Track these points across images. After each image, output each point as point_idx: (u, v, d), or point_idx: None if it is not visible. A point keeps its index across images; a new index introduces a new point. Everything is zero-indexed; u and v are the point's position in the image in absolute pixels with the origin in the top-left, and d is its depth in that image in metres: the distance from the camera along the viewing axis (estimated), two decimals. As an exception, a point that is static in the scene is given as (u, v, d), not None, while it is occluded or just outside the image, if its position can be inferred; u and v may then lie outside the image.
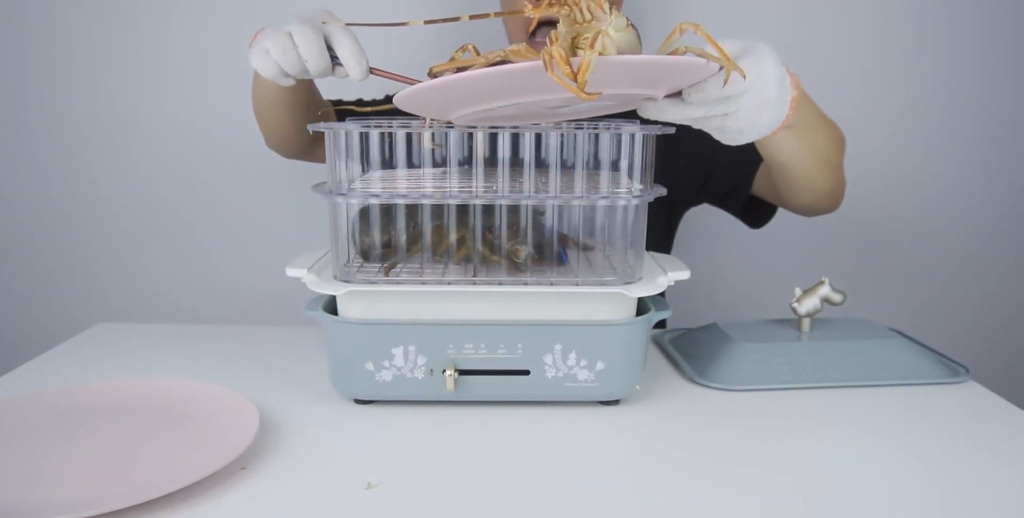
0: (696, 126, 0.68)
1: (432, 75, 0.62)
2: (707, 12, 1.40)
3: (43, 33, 1.41)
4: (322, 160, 1.11)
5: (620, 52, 0.57)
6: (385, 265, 0.76)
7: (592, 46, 0.52)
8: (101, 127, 1.45)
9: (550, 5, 0.57)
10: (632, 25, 0.59)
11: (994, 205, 1.51)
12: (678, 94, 0.65)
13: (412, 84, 0.60)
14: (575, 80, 0.52)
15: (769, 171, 0.97)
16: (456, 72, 0.56)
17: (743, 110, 0.64)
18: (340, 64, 0.71)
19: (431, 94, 0.58)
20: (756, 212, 1.14)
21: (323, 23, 0.71)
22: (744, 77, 0.61)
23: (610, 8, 0.57)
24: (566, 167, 0.75)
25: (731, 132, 0.68)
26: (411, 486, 0.61)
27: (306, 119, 0.99)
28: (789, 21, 1.41)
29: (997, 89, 1.45)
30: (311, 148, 1.09)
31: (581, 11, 0.56)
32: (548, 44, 0.53)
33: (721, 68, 0.60)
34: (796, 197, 0.96)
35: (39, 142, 1.46)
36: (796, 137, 0.77)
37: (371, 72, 0.72)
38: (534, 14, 0.57)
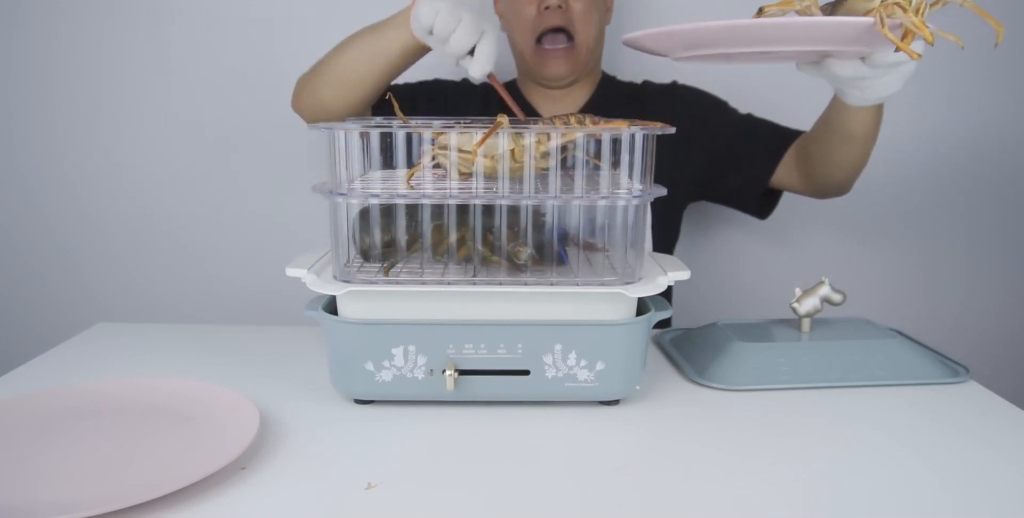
0: (847, 87, 0.80)
1: (761, 14, 0.70)
2: (709, 11, 1.40)
3: (42, 33, 1.41)
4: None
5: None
6: (384, 265, 0.76)
7: (920, 13, 0.62)
8: (102, 127, 1.45)
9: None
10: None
11: (994, 205, 1.51)
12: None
13: (514, 111, 0.88)
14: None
15: (823, 152, 1.03)
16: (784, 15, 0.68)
17: (889, 78, 0.77)
18: (470, 56, 0.87)
19: (735, 32, 0.67)
20: (763, 203, 1.20)
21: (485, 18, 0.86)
22: (932, 42, 0.67)
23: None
24: (565, 167, 0.75)
25: (872, 94, 0.80)
26: (411, 486, 0.61)
27: (380, 90, 1.02)
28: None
29: (998, 89, 1.45)
30: (363, 112, 1.08)
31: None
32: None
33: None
34: (835, 172, 1.04)
35: (39, 142, 1.46)
36: (876, 111, 0.90)
37: (488, 78, 0.89)
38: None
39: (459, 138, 0.72)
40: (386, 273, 0.75)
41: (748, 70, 1.41)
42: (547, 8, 1.11)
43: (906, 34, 0.64)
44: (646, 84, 1.28)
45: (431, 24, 0.86)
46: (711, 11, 1.40)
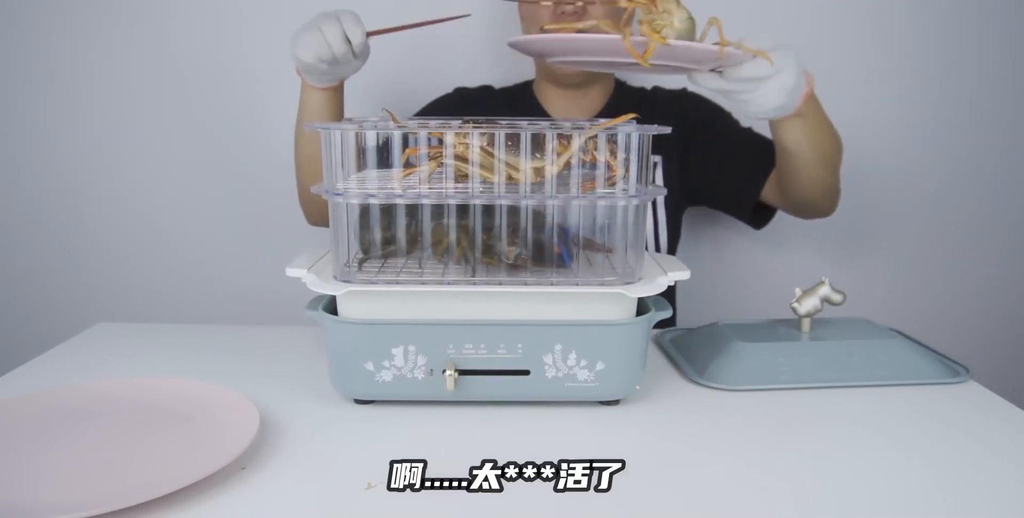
0: (726, 98, 0.84)
1: (543, 31, 0.80)
2: (715, 10, 1.40)
3: (39, 34, 1.41)
4: None
5: (680, 38, 0.73)
6: (383, 252, 0.76)
7: (657, 32, 0.70)
8: (102, 127, 1.45)
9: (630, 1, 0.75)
10: (691, 18, 0.76)
11: (994, 205, 1.51)
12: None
13: (407, 28, 0.90)
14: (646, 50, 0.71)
15: (778, 168, 1.05)
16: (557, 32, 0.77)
17: (765, 90, 0.81)
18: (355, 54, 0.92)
19: (541, 43, 0.78)
20: (758, 214, 1.20)
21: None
22: (772, 64, 0.78)
23: (678, 5, 0.74)
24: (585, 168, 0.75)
25: (754, 107, 0.83)
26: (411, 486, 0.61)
27: None
28: (792, 22, 1.41)
29: (997, 89, 1.45)
30: None
31: (656, 7, 0.74)
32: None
33: (755, 56, 0.78)
34: (796, 190, 1.05)
35: (39, 142, 1.46)
36: (804, 127, 0.91)
37: (368, 35, 0.92)
38: (629, 6, 0.76)
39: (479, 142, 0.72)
40: (385, 259, 0.76)
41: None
42: (563, 13, 1.11)
43: (648, 49, 0.71)
44: (656, 90, 1.29)
45: (314, 57, 0.91)
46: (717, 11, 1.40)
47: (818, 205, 1.09)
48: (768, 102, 0.82)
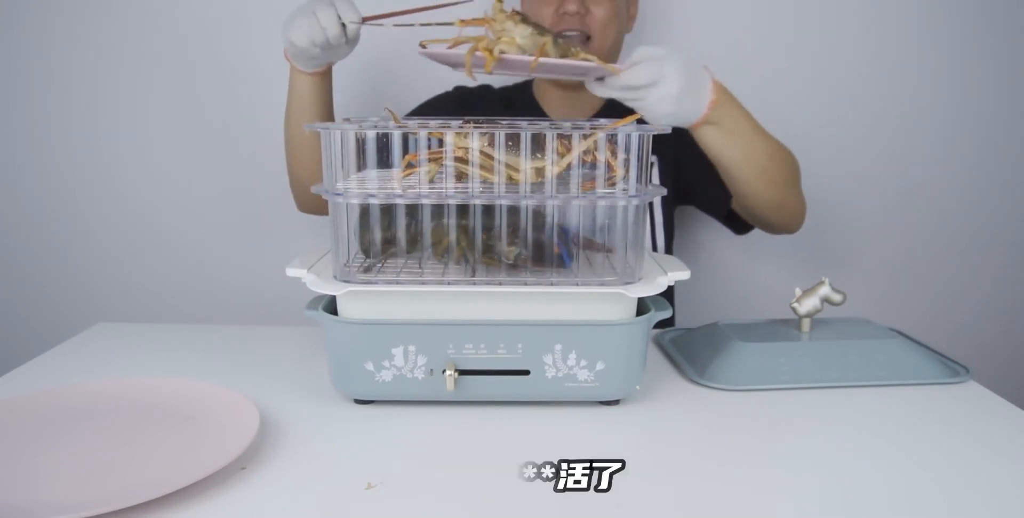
0: (631, 107, 0.85)
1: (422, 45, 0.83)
2: (716, 13, 1.40)
3: (38, 34, 1.41)
4: None
5: (525, 52, 0.79)
6: (383, 254, 0.77)
7: (491, 51, 0.77)
8: (102, 127, 1.45)
9: (476, 21, 0.81)
10: (538, 33, 0.80)
11: (994, 204, 1.51)
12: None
13: (404, 14, 0.90)
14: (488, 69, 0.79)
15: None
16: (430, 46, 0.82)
17: (651, 98, 0.83)
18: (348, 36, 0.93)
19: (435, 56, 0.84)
20: (739, 220, 1.19)
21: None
22: (617, 75, 0.81)
23: (519, 22, 0.79)
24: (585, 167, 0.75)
25: (648, 114, 0.85)
26: (411, 486, 0.61)
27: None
28: (793, 23, 1.41)
29: (997, 90, 1.45)
30: None
31: (494, 27, 0.80)
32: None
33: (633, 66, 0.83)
34: (743, 203, 1.06)
35: (39, 142, 1.46)
36: (722, 136, 0.91)
37: (364, 21, 0.92)
38: (461, 26, 0.82)
39: (479, 144, 0.72)
40: (384, 259, 0.76)
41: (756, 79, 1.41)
42: (565, 13, 1.11)
43: (486, 63, 0.78)
44: None
45: (308, 41, 0.92)
46: (729, 19, 1.40)
47: (771, 221, 1.09)
48: (657, 109, 0.83)
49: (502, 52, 0.77)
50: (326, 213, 1.14)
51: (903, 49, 1.43)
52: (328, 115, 1.09)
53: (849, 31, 1.41)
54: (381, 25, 0.93)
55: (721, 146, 0.93)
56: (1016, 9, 1.42)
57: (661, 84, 0.82)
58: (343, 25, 0.91)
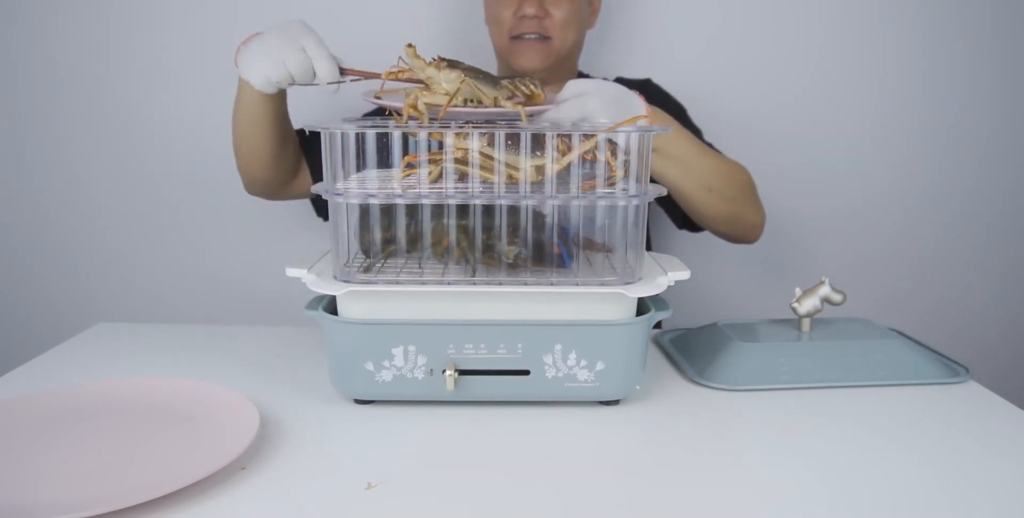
0: None
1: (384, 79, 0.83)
2: (719, 15, 1.40)
3: (43, 32, 1.41)
4: (303, 192, 1.18)
5: (461, 95, 0.80)
6: (383, 253, 0.77)
7: (414, 104, 0.77)
8: (101, 126, 1.45)
9: (402, 71, 0.81)
10: (467, 78, 0.79)
11: (994, 205, 1.51)
12: None
13: (376, 77, 0.84)
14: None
15: None
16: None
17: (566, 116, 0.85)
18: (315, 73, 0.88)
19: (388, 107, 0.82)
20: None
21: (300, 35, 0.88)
22: (524, 119, 0.78)
23: (443, 68, 0.78)
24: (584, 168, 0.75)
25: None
26: (411, 486, 0.61)
27: (282, 145, 1.07)
28: (794, 24, 1.41)
29: (998, 95, 1.45)
30: (290, 178, 1.14)
31: (419, 76, 0.80)
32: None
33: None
34: (695, 218, 1.07)
35: (39, 142, 1.46)
36: (662, 160, 0.95)
37: (342, 72, 0.88)
38: (385, 78, 0.82)
39: (479, 144, 0.72)
40: (385, 257, 0.76)
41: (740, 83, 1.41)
42: (523, 16, 1.12)
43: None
44: (619, 80, 1.29)
45: (268, 82, 0.91)
46: (692, 15, 1.40)
47: (725, 233, 1.11)
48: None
49: (427, 104, 0.77)
50: (272, 197, 1.15)
51: (911, 54, 1.43)
52: (282, 128, 1.05)
53: (853, 32, 1.41)
54: (343, 82, 0.89)
55: (663, 169, 0.96)
56: (1019, 13, 1.42)
57: (589, 120, 0.84)
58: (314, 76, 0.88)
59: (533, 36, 1.14)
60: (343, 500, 0.59)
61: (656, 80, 1.28)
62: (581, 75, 1.27)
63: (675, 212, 1.18)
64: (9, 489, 0.58)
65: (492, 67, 1.30)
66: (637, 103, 0.89)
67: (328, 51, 0.88)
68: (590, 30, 1.25)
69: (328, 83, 0.87)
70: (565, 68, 1.21)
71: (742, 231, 1.11)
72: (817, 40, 1.41)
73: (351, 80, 0.88)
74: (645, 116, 0.77)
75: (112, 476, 0.60)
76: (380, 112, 1.23)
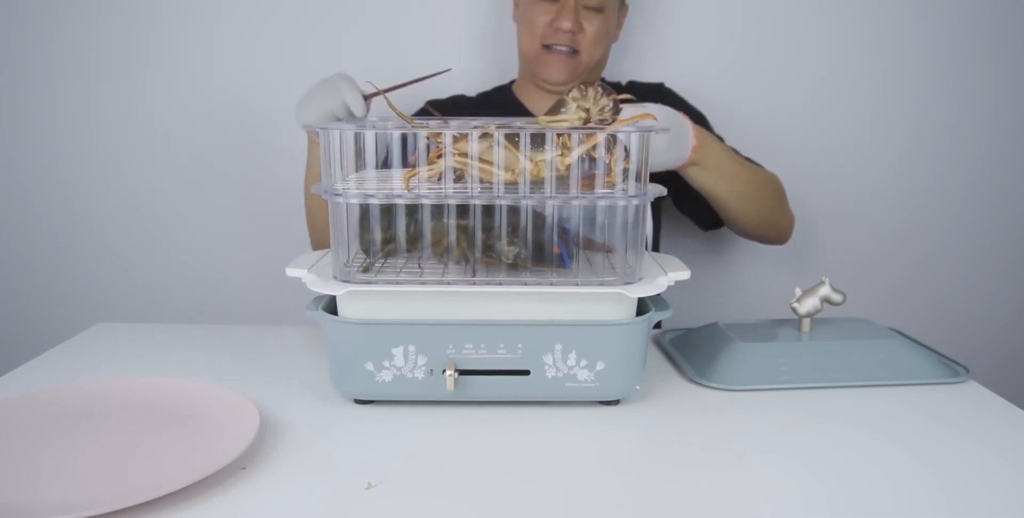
0: None
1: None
2: (720, 16, 1.40)
3: (36, 34, 1.41)
4: None
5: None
6: (382, 252, 0.77)
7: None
8: (101, 127, 1.45)
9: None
10: (580, 117, 0.77)
11: (994, 205, 1.51)
12: None
13: (398, 88, 0.94)
14: None
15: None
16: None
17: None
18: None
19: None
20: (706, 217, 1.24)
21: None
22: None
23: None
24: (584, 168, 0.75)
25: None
26: (411, 486, 0.61)
27: None
28: (800, 30, 1.41)
29: (999, 96, 1.45)
30: None
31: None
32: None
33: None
34: (732, 225, 1.16)
35: (38, 142, 1.46)
36: (705, 173, 1.01)
37: (366, 98, 0.96)
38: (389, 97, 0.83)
39: (480, 147, 0.72)
40: (384, 257, 0.76)
41: (742, 84, 1.42)
42: (559, 29, 1.13)
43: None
44: (631, 84, 1.29)
45: (320, 119, 0.98)
46: (703, 20, 1.40)
47: (760, 237, 1.20)
48: (652, 160, 0.92)
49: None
50: None
51: (914, 56, 1.43)
52: None
53: (854, 35, 1.42)
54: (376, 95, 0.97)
55: (706, 182, 1.03)
56: (1021, 17, 1.42)
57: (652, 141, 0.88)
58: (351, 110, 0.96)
59: (564, 49, 1.15)
60: (343, 500, 0.59)
61: (668, 84, 1.29)
62: (604, 82, 1.28)
63: (705, 218, 1.24)
64: (9, 489, 0.58)
65: (513, 69, 1.29)
66: (685, 126, 0.95)
67: (356, 88, 0.96)
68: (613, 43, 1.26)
69: (360, 114, 0.96)
70: (589, 79, 1.21)
71: (775, 234, 1.20)
72: (819, 46, 1.41)
73: (375, 95, 0.96)
74: (639, 117, 0.77)
75: (112, 476, 0.60)
76: (426, 112, 1.25)
